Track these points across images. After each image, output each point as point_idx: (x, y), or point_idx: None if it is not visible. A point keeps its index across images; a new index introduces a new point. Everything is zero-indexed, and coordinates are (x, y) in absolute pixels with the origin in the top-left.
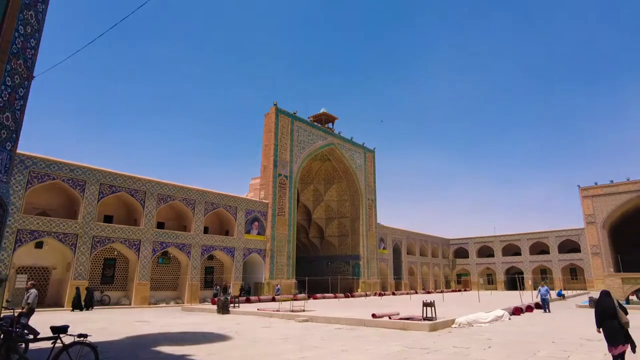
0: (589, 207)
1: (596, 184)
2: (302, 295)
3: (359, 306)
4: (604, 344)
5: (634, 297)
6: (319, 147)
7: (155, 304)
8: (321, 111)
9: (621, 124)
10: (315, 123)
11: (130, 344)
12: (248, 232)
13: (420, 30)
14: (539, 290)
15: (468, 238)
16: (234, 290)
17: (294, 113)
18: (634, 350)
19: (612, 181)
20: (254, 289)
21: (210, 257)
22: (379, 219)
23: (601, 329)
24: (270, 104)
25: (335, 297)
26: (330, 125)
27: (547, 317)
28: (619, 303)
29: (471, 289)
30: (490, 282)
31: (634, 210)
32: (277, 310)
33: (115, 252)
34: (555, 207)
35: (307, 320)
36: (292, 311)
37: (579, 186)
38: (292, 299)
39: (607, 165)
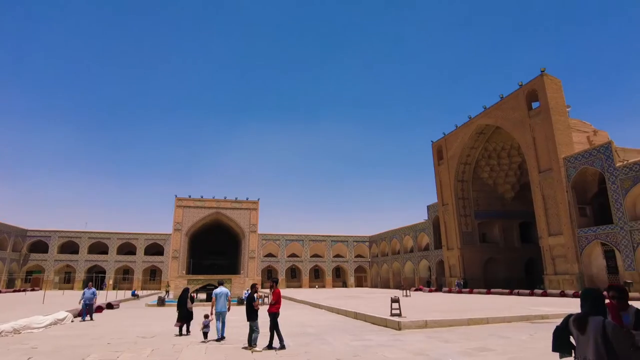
0: (180, 215)
1: (190, 196)
2: None
3: None
4: (156, 341)
5: (198, 295)
6: None
7: None
8: None
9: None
10: None
11: None
12: None
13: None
14: (84, 293)
15: (52, 231)
16: None
17: None
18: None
19: (202, 196)
20: None
21: None
22: None
23: (178, 312)
24: None
25: None
26: None
27: (115, 317)
28: (190, 296)
29: (43, 288)
30: (68, 280)
31: (212, 223)
32: None
33: None
34: (152, 211)
35: None
36: None
37: (176, 196)
38: None
39: (203, 182)
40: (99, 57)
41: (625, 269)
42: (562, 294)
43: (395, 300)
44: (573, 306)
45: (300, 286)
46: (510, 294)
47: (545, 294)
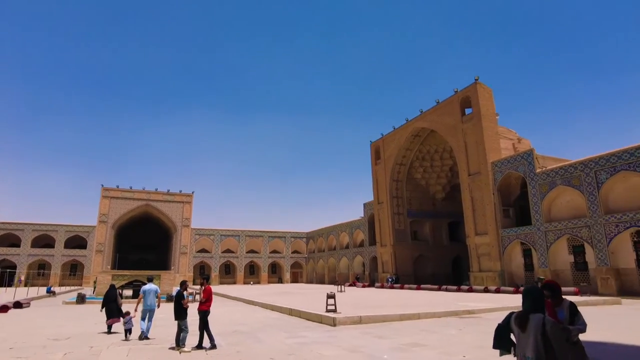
0: (106, 207)
1: (118, 187)
2: None
3: None
4: (71, 343)
5: (124, 292)
6: None
7: None
8: None
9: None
10: None
11: None
12: None
13: None
14: None
15: None
16: None
17: None
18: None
19: (131, 187)
20: None
21: None
22: None
23: (103, 310)
24: None
25: None
26: None
27: (23, 318)
28: (119, 292)
29: None
30: None
31: (141, 216)
32: None
33: None
34: (75, 202)
35: None
36: None
37: (102, 185)
38: None
39: (133, 173)
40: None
41: (540, 266)
42: (486, 290)
43: (331, 296)
44: (496, 301)
45: (234, 282)
46: (439, 289)
47: (471, 290)
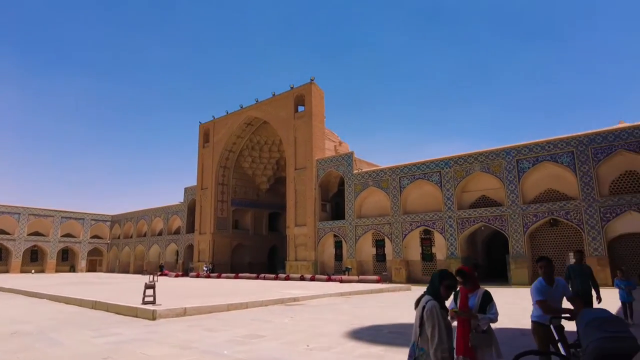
0: None
1: None
2: None
3: None
4: None
5: None
6: None
7: None
8: None
9: None
10: None
11: None
12: None
13: None
14: None
15: None
16: None
17: None
18: None
19: None
20: None
21: None
22: None
23: None
24: None
25: None
26: None
27: None
28: None
29: None
30: None
31: None
32: None
33: None
34: None
35: None
36: None
37: None
38: None
39: None
40: None
41: (348, 257)
42: (302, 278)
43: (150, 286)
44: (316, 289)
45: (7, 271)
46: (257, 278)
47: (288, 278)
